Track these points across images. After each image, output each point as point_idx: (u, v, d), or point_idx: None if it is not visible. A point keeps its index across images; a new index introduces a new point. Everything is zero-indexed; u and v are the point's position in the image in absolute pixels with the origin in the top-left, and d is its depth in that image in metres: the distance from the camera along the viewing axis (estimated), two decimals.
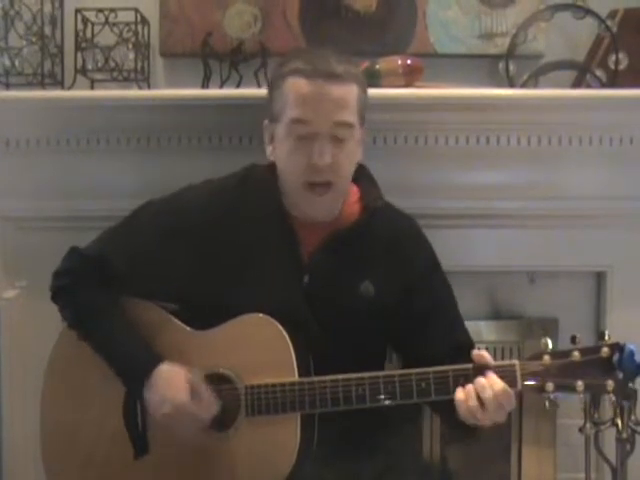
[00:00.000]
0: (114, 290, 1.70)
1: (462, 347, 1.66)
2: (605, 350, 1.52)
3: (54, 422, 1.72)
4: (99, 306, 1.69)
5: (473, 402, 1.51)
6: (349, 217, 1.70)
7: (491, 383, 1.51)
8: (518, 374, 1.54)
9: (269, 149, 1.68)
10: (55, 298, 1.75)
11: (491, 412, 1.51)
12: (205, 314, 1.65)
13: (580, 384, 1.52)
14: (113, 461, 1.68)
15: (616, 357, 1.51)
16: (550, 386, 1.53)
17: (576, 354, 1.53)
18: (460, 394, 1.52)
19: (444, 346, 1.66)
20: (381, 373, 1.58)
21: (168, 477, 1.65)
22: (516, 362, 1.55)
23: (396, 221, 1.76)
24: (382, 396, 1.56)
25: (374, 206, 1.71)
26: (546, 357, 1.54)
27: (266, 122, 1.68)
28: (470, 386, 1.52)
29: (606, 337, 1.54)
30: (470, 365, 1.55)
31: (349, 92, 1.61)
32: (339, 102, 1.60)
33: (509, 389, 1.51)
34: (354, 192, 1.73)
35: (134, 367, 1.65)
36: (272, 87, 1.66)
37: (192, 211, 1.70)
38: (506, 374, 1.53)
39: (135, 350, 1.65)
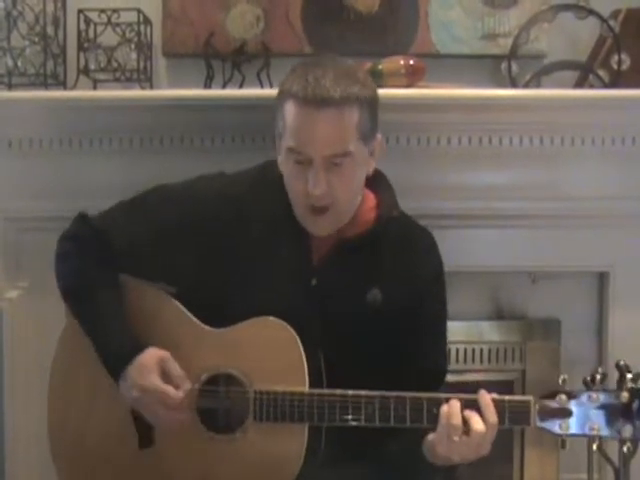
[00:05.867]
0: (113, 267, 1.68)
1: (433, 372, 1.66)
2: (625, 395, 1.47)
3: (61, 418, 1.71)
4: (95, 280, 1.67)
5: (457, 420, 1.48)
6: (363, 224, 1.67)
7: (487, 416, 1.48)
8: (532, 411, 1.49)
9: (279, 158, 1.64)
10: (56, 263, 1.72)
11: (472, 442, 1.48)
12: (207, 310, 1.64)
13: (595, 428, 1.47)
14: (120, 456, 1.67)
15: (636, 404, 1.46)
16: (564, 427, 1.48)
17: (594, 396, 1.48)
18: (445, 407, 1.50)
19: (418, 365, 1.64)
20: (392, 394, 1.54)
21: (172, 474, 1.65)
22: (531, 398, 1.50)
23: (410, 232, 1.73)
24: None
25: (388, 215, 1.68)
26: (562, 397, 1.49)
27: (276, 131, 1.63)
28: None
29: (628, 375, 1.47)
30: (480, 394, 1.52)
31: (347, 118, 1.52)
32: (334, 131, 1.52)
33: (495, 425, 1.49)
34: (370, 199, 1.70)
35: (113, 354, 1.62)
36: (277, 102, 1.60)
37: (202, 204, 1.67)
38: (520, 410, 1.49)
39: (117, 337, 1.62)
